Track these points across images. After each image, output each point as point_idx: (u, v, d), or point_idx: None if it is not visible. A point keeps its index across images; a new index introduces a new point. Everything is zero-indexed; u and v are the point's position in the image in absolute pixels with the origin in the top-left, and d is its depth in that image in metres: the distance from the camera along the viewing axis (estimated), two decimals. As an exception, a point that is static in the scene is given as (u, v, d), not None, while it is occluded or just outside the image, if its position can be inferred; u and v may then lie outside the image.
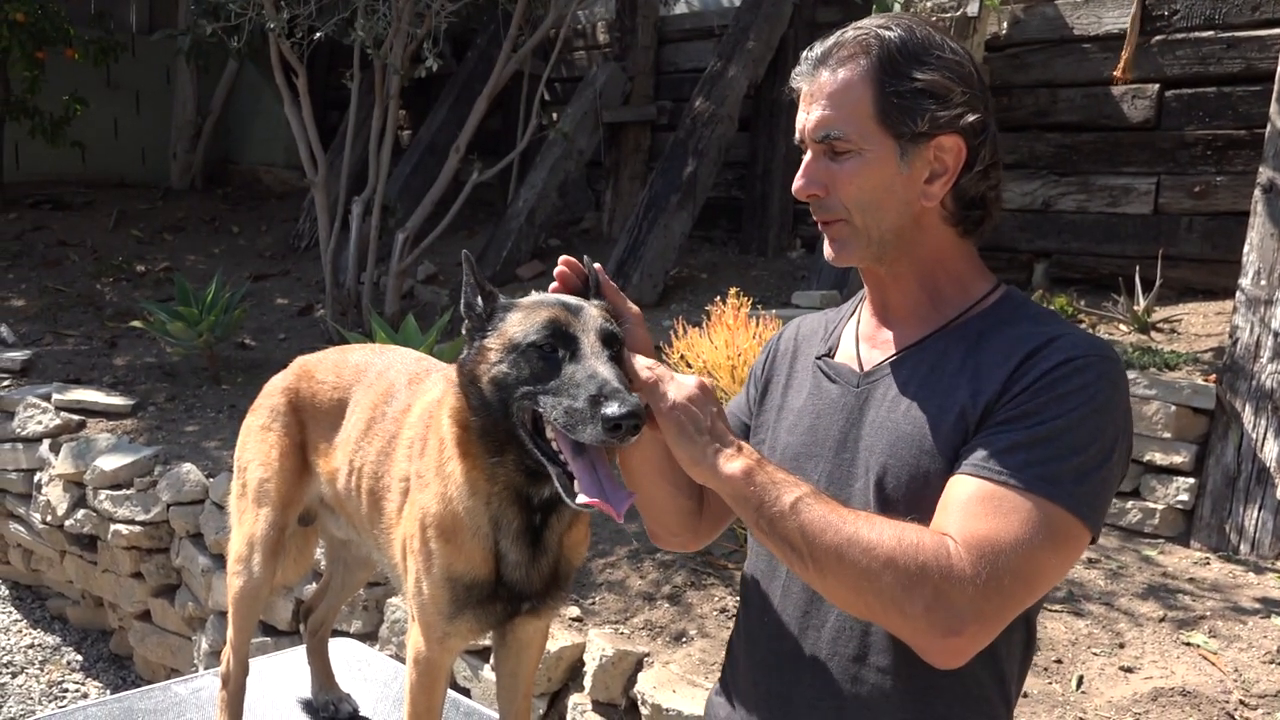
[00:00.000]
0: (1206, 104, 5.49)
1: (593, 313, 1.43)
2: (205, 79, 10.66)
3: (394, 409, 1.89)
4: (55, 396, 5.72)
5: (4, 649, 5.51)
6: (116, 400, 5.81)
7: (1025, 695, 3.04)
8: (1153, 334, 5.03)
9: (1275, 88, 4.40)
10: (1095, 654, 3.29)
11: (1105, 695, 3.07)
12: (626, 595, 3.78)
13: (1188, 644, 3.33)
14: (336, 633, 3.01)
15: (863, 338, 1.56)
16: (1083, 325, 5.14)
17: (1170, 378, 4.28)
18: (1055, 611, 3.51)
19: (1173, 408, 4.16)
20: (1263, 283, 4.22)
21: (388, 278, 6.98)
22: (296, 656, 2.60)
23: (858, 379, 1.50)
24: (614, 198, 8.27)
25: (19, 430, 5.61)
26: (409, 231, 6.91)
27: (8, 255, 8.58)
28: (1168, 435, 4.17)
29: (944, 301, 1.47)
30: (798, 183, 1.47)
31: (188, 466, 4.95)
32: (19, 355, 6.37)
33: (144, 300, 7.11)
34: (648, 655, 3.39)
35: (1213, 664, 3.21)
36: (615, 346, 1.40)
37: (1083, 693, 3.10)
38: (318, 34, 6.47)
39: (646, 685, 3.25)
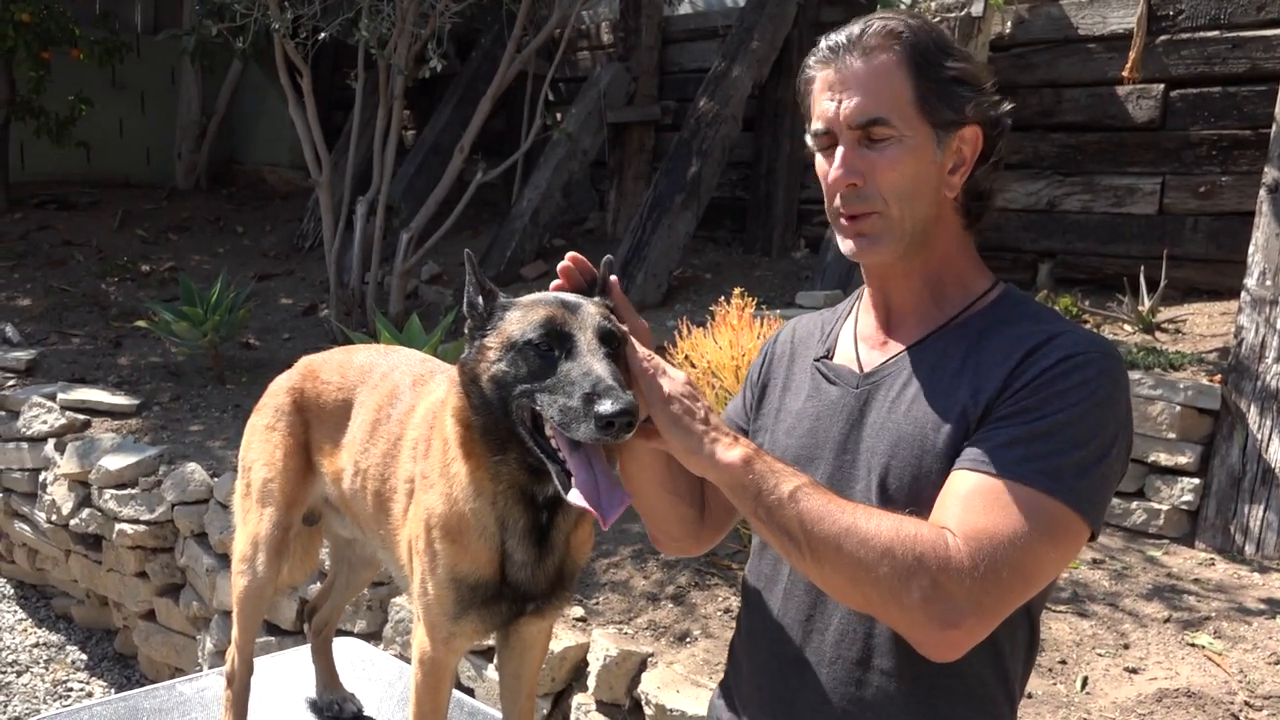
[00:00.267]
0: (1212, 104, 5.48)
1: (591, 310, 1.43)
2: (210, 79, 10.68)
3: (399, 410, 1.89)
4: (60, 396, 5.74)
5: (9, 648, 5.52)
6: (121, 400, 5.82)
7: (1029, 696, 3.03)
8: (1157, 334, 5.02)
9: (1281, 88, 4.40)
10: (1100, 655, 3.28)
11: (1110, 696, 3.07)
12: (630, 595, 3.78)
13: (1192, 645, 3.32)
14: (341, 632, 3.01)
15: (862, 338, 1.55)
16: (1087, 325, 5.13)
17: (1175, 378, 4.28)
18: (1060, 612, 3.51)
19: (1177, 408, 4.15)
20: (1268, 283, 4.21)
21: (392, 278, 6.99)
22: (301, 656, 2.60)
23: (858, 380, 1.50)
24: (618, 198, 8.27)
25: (24, 429, 5.62)
26: (413, 231, 6.91)
27: (13, 255, 8.60)
28: (1172, 436, 4.16)
29: (946, 299, 1.47)
30: (836, 172, 1.43)
31: (192, 466, 4.96)
32: (24, 355, 6.39)
33: (149, 300, 7.12)
34: (651, 655, 3.39)
35: (1218, 665, 3.20)
36: (614, 344, 1.40)
37: (1087, 693, 3.10)
38: (322, 34, 6.47)
39: (650, 685, 3.25)
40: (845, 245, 1.48)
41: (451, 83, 9.06)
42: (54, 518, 5.37)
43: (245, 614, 2.19)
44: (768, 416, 1.61)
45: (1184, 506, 4.15)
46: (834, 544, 1.26)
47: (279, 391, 2.19)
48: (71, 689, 5.30)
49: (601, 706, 3.40)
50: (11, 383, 6.09)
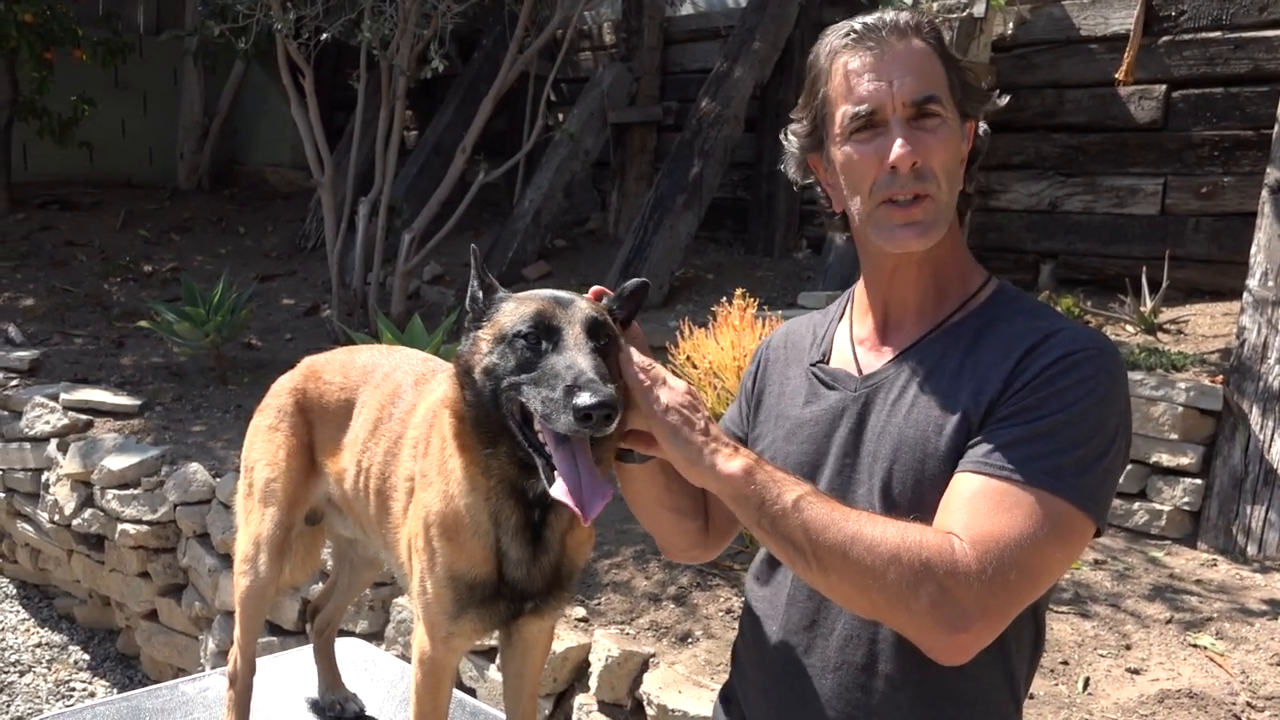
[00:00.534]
0: (1214, 105, 5.48)
1: (581, 305, 1.44)
2: (212, 80, 10.69)
3: (400, 409, 1.89)
4: (63, 396, 5.74)
5: (11, 648, 5.53)
6: (124, 400, 5.82)
7: (1032, 696, 3.03)
8: (1159, 335, 5.02)
9: (1283, 88, 4.39)
10: (1102, 655, 3.28)
11: (1112, 697, 3.07)
12: (632, 596, 3.78)
13: (1194, 646, 3.32)
14: (343, 632, 3.02)
15: (858, 341, 1.54)
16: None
17: (1177, 379, 4.27)
18: (1062, 613, 3.51)
19: (1179, 409, 4.15)
20: (1270, 284, 4.21)
21: (394, 278, 6.99)
22: (303, 656, 2.60)
23: (856, 384, 1.49)
24: (620, 198, 8.27)
25: (27, 430, 5.63)
26: (415, 232, 6.92)
27: (16, 255, 8.61)
28: (1174, 436, 4.16)
29: (946, 296, 1.47)
30: (900, 149, 1.36)
31: (194, 466, 4.97)
32: (27, 355, 6.40)
33: (151, 300, 7.13)
34: (653, 656, 3.39)
35: (1220, 666, 3.20)
36: (602, 337, 1.41)
37: (1089, 694, 3.10)
38: (324, 35, 6.48)
39: (652, 686, 3.25)
40: (889, 237, 1.41)
41: (453, 83, 9.07)
42: (56, 518, 5.37)
43: (247, 614, 2.19)
44: (766, 423, 1.60)
45: (1186, 507, 4.15)
46: (840, 552, 1.26)
47: (281, 392, 2.20)
48: (74, 689, 5.30)
49: (603, 707, 3.40)
50: (14, 383, 6.10)
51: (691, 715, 3.07)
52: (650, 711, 3.21)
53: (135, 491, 5.06)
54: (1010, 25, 6.09)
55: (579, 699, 3.47)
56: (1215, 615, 3.49)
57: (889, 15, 1.42)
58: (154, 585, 5.13)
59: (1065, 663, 3.24)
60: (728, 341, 3.78)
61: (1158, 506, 4.18)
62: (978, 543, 1.24)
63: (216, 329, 6.15)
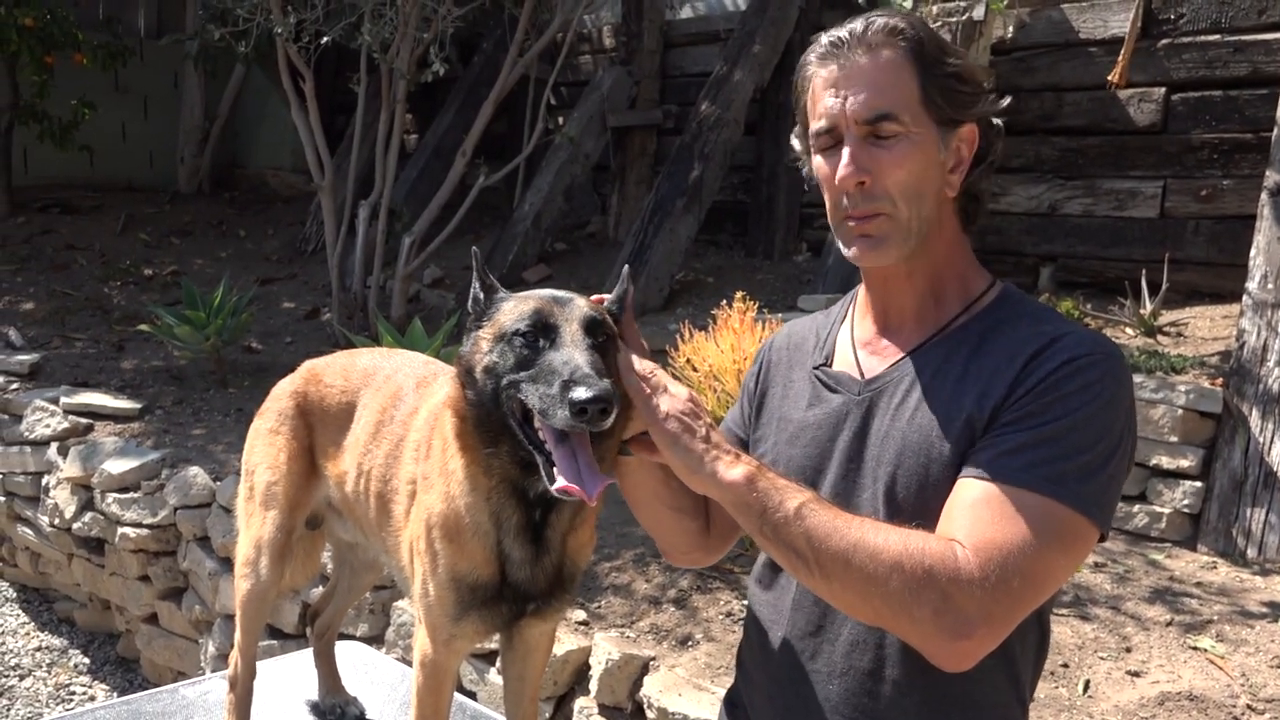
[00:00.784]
0: (1213, 107, 5.48)
1: (579, 303, 1.45)
2: (213, 83, 10.70)
3: (402, 412, 1.90)
4: (63, 400, 5.74)
5: (11, 652, 5.53)
6: (124, 403, 5.83)
7: (1033, 699, 3.03)
8: (1159, 337, 5.02)
9: (1282, 91, 4.40)
10: (1102, 658, 3.28)
11: (1112, 699, 3.07)
12: (632, 599, 3.78)
13: (1195, 648, 3.32)
14: (343, 636, 3.02)
15: (860, 343, 1.53)
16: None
17: (1177, 381, 4.28)
18: (1062, 615, 3.51)
19: (1179, 411, 4.15)
20: (1270, 286, 4.21)
21: (394, 281, 7.00)
22: (303, 659, 2.60)
23: (859, 387, 1.48)
24: (620, 201, 8.28)
25: (27, 433, 5.63)
26: (415, 235, 6.92)
27: (16, 259, 8.61)
28: (1174, 439, 4.16)
29: (946, 300, 1.46)
30: (844, 170, 1.38)
31: (195, 470, 4.97)
32: (27, 358, 6.40)
33: (151, 304, 7.13)
34: (654, 659, 3.39)
35: (1220, 668, 3.20)
36: (599, 335, 1.42)
37: (1089, 697, 3.10)
38: (325, 39, 6.49)
39: (653, 689, 3.25)
40: (849, 250, 1.44)
41: (453, 87, 9.08)
42: (56, 521, 5.37)
43: (248, 617, 2.19)
44: (768, 426, 1.60)
45: (1186, 510, 4.15)
46: (842, 559, 1.25)
47: (282, 395, 2.20)
48: (74, 693, 5.30)
49: (604, 710, 3.40)
50: (14, 386, 6.10)
51: (692, 718, 3.07)
52: (651, 715, 3.21)
53: (135, 495, 5.06)
54: (1009, 28, 6.09)
55: (579, 702, 3.47)
56: (1215, 618, 3.49)
57: (859, 25, 1.41)
58: (154, 589, 5.13)
59: (1065, 665, 3.24)
60: (728, 344, 3.78)
61: (1158, 509, 4.19)
62: (980, 550, 1.23)
63: (217, 332, 6.15)
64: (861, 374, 1.50)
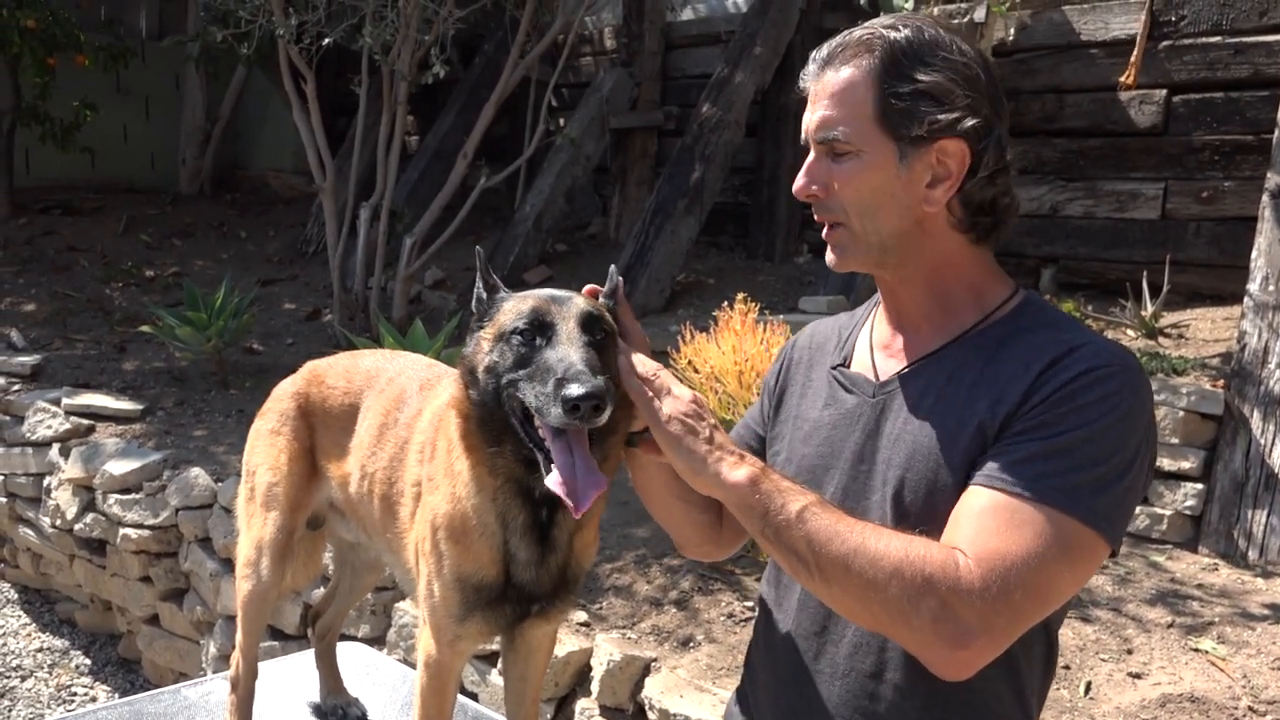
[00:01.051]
0: (1214, 109, 5.49)
1: (577, 301, 1.46)
2: (214, 85, 10.71)
3: (406, 414, 1.90)
4: (65, 401, 5.75)
5: (13, 653, 5.53)
6: (125, 405, 5.83)
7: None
8: (1160, 339, 5.02)
9: (1283, 93, 4.40)
10: (1103, 660, 3.28)
11: (1113, 701, 3.07)
12: (634, 600, 3.78)
13: (1196, 650, 3.32)
14: (344, 637, 3.02)
15: (878, 346, 1.53)
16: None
17: (1178, 383, 4.28)
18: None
19: (1180, 413, 4.15)
20: (1271, 288, 4.21)
21: (395, 283, 7.00)
22: (305, 661, 2.60)
23: (874, 389, 1.48)
24: (621, 203, 8.28)
25: (29, 434, 5.63)
26: (416, 237, 6.93)
27: (18, 260, 8.62)
28: (1175, 441, 4.16)
29: (956, 309, 1.44)
30: (798, 182, 1.46)
31: (196, 471, 4.97)
32: (29, 360, 6.40)
33: (153, 305, 7.14)
34: (655, 660, 3.39)
35: (1221, 670, 3.20)
36: (597, 332, 1.43)
37: (1091, 699, 3.10)
38: (326, 40, 6.50)
39: (654, 690, 3.25)
40: (827, 253, 1.50)
41: (455, 88, 9.08)
42: (58, 522, 5.38)
43: (249, 618, 2.19)
44: (785, 424, 1.60)
45: (1187, 511, 4.15)
46: (842, 564, 1.25)
47: (283, 396, 2.20)
48: (75, 694, 5.30)
49: (605, 711, 3.41)
50: (16, 388, 6.11)
51: (693, 719, 3.07)
52: (652, 716, 3.21)
53: (137, 496, 5.07)
54: (1011, 30, 6.10)
55: (580, 703, 3.47)
56: (1217, 620, 3.49)
57: (839, 39, 1.43)
58: (155, 590, 5.13)
59: (1067, 667, 3.24)
60: (729, 346, 3.78)
61: (1159, 511, 4.18)
62: (983, 560, 1.23)
63: (218, 334, 6.16)
64: (877, 376, 1.49)
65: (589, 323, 1.43)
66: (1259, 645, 3.34)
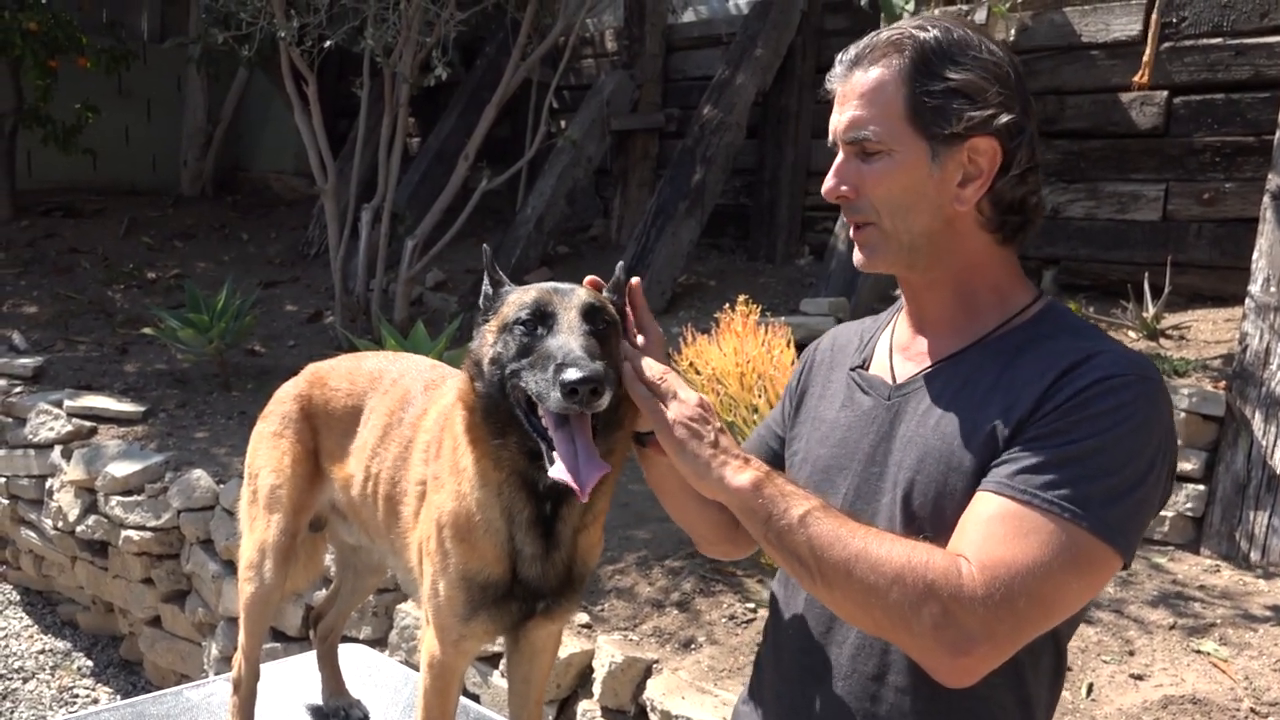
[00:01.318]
0: (1215, 111, 5.49)
1: (579, 292, 1.49)
2: (216, 87, 10.73)
3: (410, 415, 1.90)
4: (67, 403, 5.75)
5: (15, 654, 5.53)
6: (127, 407, 5.83)
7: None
8: (1162, 341, 5.02)
9: (1284, 95, 4.40)
10: (1105, 662, 3.28)
11: (1115, 703, 3.07)
12: (635, 602, 3.78)
13: (1198, 651, 3.32)
14: (346, 639, 3.02)
15: (897, 349, 1.52)
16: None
17: (1180, 384, 4.28)
18: (1065, 619, 3.51)
19: (1182, 414, 4.15)
20: (1272, 289, 4.21)
21: (397, 285, 7.01)
22: (307, 662, 2.61)
23: (890, 391, 1.47)
24: (622, 205, 8.29)
25: (31, 436, 5.64)
26: (418, 239, 6.94)
27: (20, 262, 8.63)
28: (1177, 442, 4.16)
29: (980, 312, 1.43)
30: (828, 183, 1.45)
31: (198, 473, 4.97)
32: (31, 362, 6.41)
33: (155, 307, 7.14)
34: (657, 662, 3.39)
35: (1223, 672, 3.20)
36: (599, 322, 1.45)
37: (1093, 700, 3.10)
38: (328, 42, 6.51)
39: (656, 692, 3.25)
40: (855, 254, 1.49)
41: (456, 90, 9.09)
42: (60, 524, 5.38)
43: (251, 620, 2.19)
44: (804, 424, 1.60)
45: (1189, 513, 4.15)
46: (844, 569, 1.25)
47: (286, 398, 2.20)
48: (77, 695, 5.31)
49: (607, 713, 3.41)
50: (18, 390, 6.11)
51: (695, 721, 3.07)
52: (654, 718, 3.22)
53: (139, 498, 5.07)
54: (1012, 31, 6.10)
55: (582, 705, 3.47)
56: (1219, 621, 3.49)
57: (866, 41, 1.43)
58: (157, 591, 5.13)
59: (1069, 669, 3.24)
60: (730, 348, 3.79)
61: (1161, 512, 4.17)
62: (987, 567, 1.22)
63: (220, 335, 6.16)
64: (894, 379, 1.49)
65: (590, 313, 1.44)
66: (1261, 647, 3.33)
